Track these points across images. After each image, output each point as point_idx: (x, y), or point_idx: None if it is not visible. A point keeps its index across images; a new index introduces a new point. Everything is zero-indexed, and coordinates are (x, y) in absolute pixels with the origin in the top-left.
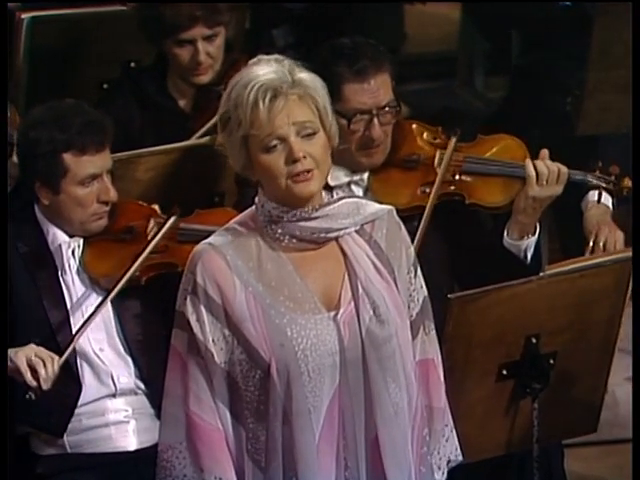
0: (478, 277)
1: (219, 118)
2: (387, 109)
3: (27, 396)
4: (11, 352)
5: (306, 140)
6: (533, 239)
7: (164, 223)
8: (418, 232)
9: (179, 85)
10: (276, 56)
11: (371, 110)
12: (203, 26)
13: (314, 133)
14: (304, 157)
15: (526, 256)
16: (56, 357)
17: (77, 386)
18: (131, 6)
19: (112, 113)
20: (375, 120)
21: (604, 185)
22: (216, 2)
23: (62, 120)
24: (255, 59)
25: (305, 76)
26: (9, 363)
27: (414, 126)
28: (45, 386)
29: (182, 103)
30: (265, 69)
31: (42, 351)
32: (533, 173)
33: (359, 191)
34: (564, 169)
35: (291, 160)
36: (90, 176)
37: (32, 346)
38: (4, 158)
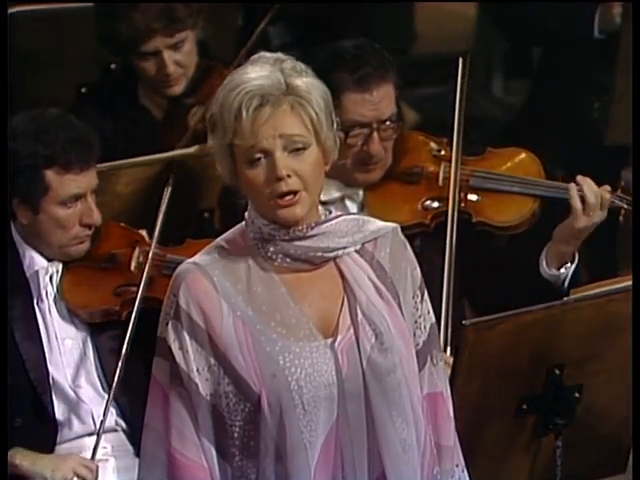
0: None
1: (208, 121)
2: (389, 123)
3: None
4: (43, 467)
5: (294, 156)
6: (572, 268)
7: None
8: (446, 255)
9: (151, 96)
10: (278, 55)
11: (371, 123)
12: (164, 35)
13: (304, 148)
14: (289, 176)
15: (563, 285)
16: (94, 465)
17: (53, 426)
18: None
19: (85, 120)
20: (375, 134)
21: (625, 207)
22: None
23: (45, 134)
24: (256, 55)
25: (303, 82)
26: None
27: (417, 136)
28: None
29: (156, 113)
30: (258, 72)
31: (82, 464)
32: (579, 205)
33: (353, 207)
34: (607, 194)
35: (274, 178)
36: (73, 196)
37: (69, 458)
38: (4, 159)
